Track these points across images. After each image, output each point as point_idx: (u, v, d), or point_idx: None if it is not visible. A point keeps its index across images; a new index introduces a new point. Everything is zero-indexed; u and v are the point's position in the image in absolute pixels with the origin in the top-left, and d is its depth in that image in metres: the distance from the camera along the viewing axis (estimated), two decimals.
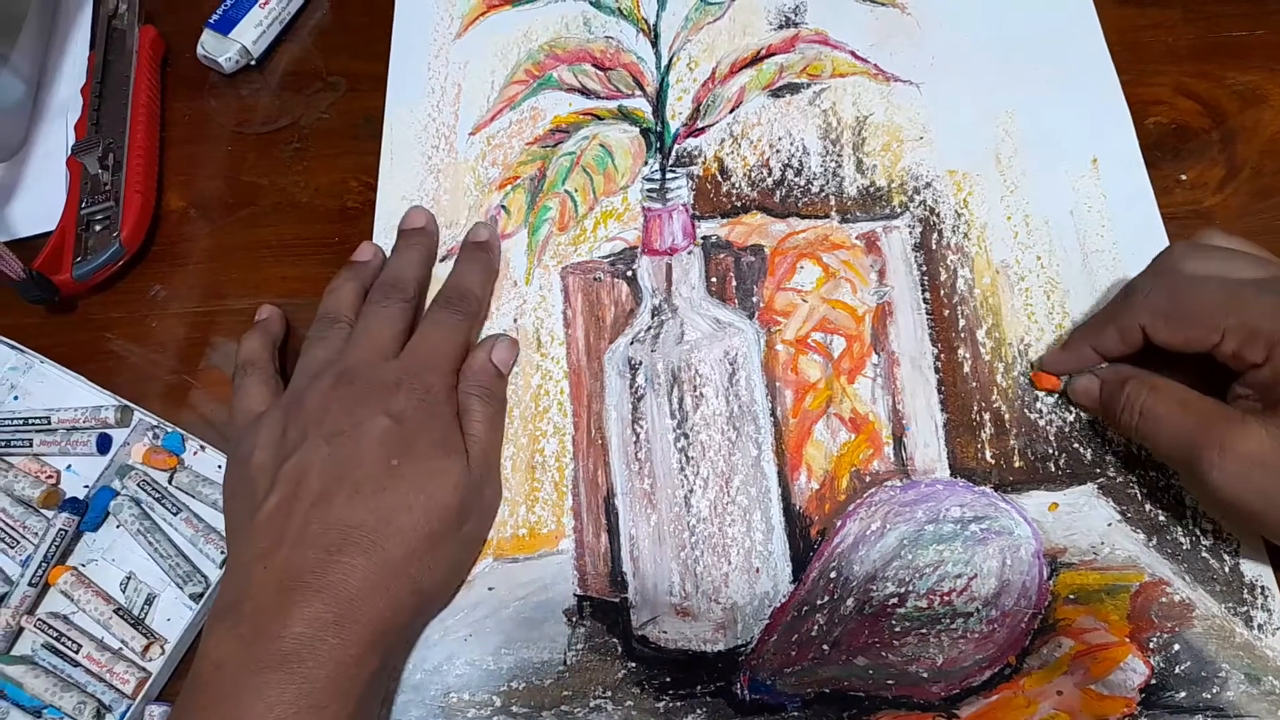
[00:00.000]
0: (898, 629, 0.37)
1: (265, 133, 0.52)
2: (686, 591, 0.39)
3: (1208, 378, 0.36)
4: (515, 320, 0.45)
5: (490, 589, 0.40)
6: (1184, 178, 0.44)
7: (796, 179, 0.46)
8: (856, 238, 0.44)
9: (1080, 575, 0.37)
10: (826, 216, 0.45)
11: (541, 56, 0.50)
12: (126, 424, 0.44)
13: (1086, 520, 0.38)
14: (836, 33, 0.49)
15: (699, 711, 0.37)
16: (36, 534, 0.42)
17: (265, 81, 0.53)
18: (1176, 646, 0.36)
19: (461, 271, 0.44)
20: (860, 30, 0.49)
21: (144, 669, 0.40)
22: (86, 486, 0.43)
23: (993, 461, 0.40)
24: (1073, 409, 0.40)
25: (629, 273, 0.45)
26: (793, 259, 0.44)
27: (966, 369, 0.41)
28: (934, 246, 0.44)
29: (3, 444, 0.44)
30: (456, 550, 0.39)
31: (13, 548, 0.42)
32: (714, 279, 0.44)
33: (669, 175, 0.47)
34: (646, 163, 0.47)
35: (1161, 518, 0.38)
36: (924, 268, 0.43)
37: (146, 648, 0.40)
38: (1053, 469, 0.39)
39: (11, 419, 0.44)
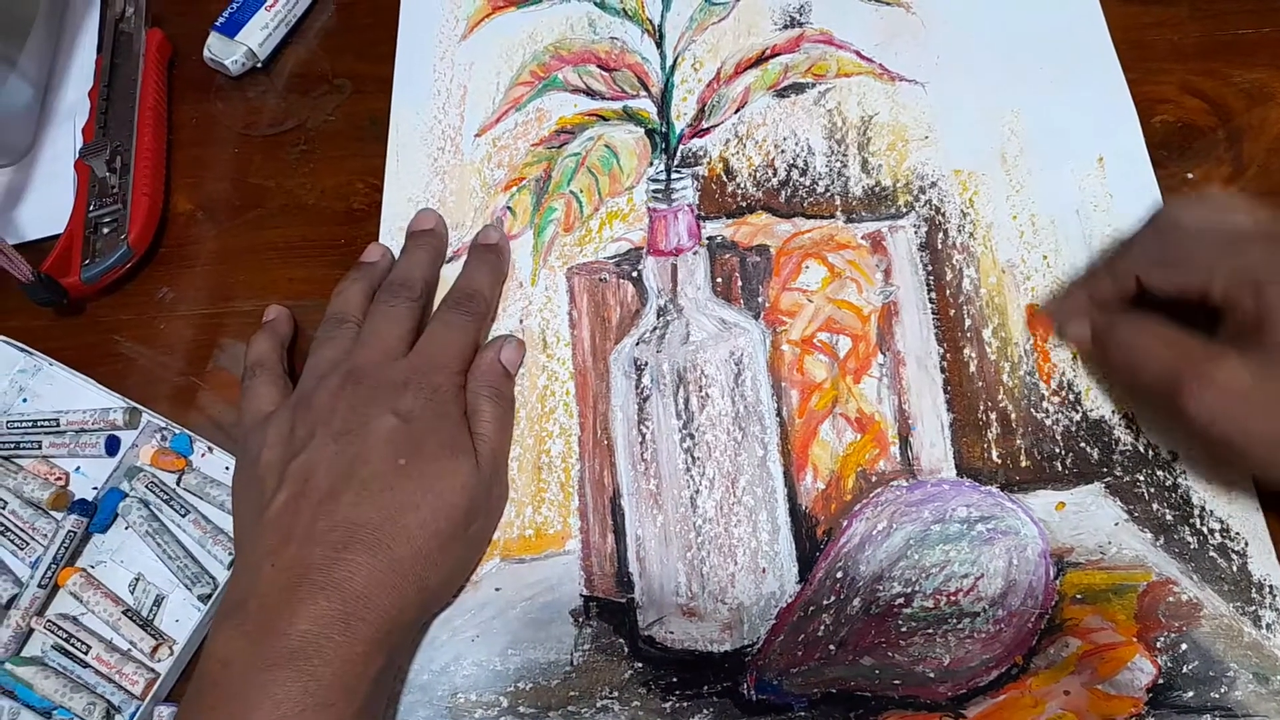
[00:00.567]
0: (904, 629, 0.37)
1: (271, 135, 0.52)
2: (693, 592, 0.39)
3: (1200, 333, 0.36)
4: (521, 321, 0.45)
5: (497, 590, 0.40)
6: (1191, 176, 0.44)
7: (802, 179, 0.46)
8: (862, 237, 0.44)
9: (1087, 575, 0.37)
10: (832, 216, 0.45)
11: (547, 58, 0.51)
12: (135, 426, 0.44)
13: (1093, 520, 0.38)
14: (841, 32, 0.49)
15: (705, 712, 0.37)
16: (46, 536, 0.42)
17: (271, 84, 0.53)
18: (1184, 646, 0.36)
19: (470, 272, 0.45)
20: (865, 30, 0.49)
21: (153, 670, 0.40)
22: (95, 488, 0.43)
23: (999, 461, 0.40)
24: (1078, 409, 0.40)
25: (634, 273, 0.45)
26: (798, 259, 0.44)
27: (972, 368, 0.41)
28: (939, 246, 0.44)
29: (12, 446, 0.44)
30: (463, 549, 0.39)
31: (22, 549, 0.42)
32: (719, 279, 0.44)
33: (674, 176, 0.47)
34: (651, 163, 0.47)
35: (1169, 517, 0.38)
36: (930, 267, 0.43)
37: (155, 649, 0.40)
38: (1059, 468, 0.39)
39: (20, 421, 0.44)
